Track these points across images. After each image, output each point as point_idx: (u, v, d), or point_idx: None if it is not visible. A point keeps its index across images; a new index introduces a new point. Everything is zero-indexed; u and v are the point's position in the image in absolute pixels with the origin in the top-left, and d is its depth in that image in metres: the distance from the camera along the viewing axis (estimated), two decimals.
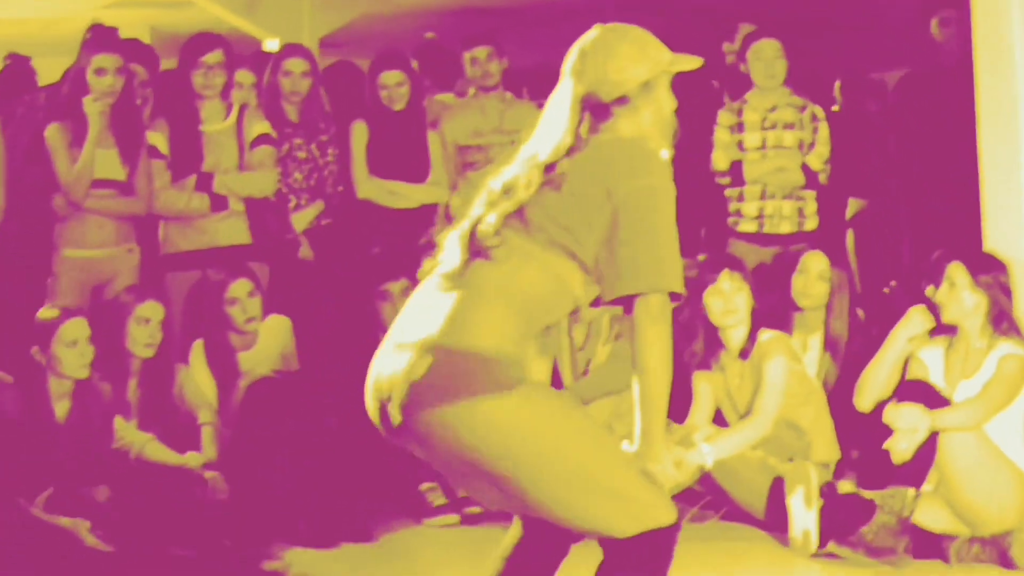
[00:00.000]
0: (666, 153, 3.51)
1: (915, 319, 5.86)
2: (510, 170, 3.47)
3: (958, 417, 5.49)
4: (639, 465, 3.30)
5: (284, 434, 6.23)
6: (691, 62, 3.55)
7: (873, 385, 5.84)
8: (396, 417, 3.27)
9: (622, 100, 3.45)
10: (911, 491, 5.46)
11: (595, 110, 3.44)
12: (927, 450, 5.45)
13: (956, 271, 5.66)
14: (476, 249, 3.37)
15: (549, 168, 3.38)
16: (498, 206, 3.40)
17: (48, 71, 7.60)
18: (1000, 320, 5.66)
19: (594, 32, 3.53)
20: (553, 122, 3.47)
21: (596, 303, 3.45)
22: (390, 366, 3.31)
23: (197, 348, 6.61)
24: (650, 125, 3.48)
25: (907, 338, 5.84)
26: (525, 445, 3.22)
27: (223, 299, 6.58)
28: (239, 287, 6.59)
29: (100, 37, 6.97)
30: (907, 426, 5.45)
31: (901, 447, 5.45)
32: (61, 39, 8.05)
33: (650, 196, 3.33)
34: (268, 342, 6.71)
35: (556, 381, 6.15)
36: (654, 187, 3.34)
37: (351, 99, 7.54)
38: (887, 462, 5.50)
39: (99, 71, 6.64)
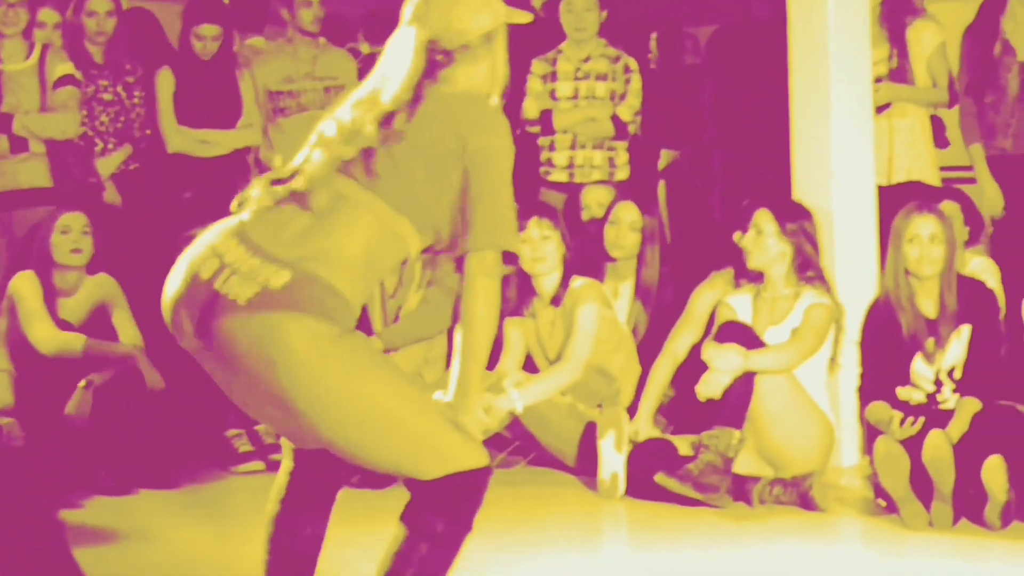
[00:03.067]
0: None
1: (716, 281, 5.97)
2: (343, 114, 3.40)
3: (771, 359, 5.59)
4: (451, 414, 3.27)
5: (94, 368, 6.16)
6: (524, 16, 3.54)
7: (677, 346, 5.99)
8: (194, 315, 3.20)
9: (463, 48, 3.40)
10: (736, 432, 5.54)
11: (436, 57, 3.39)
12: (745, 393, 5.53)
13: (762, 218, 5.76)
14: (306, 196, 3.30)
15: (389, 116, 3.32)
16: (332, 150, 3.33)
17: None
18: (805, 268, 5.76)
19: None
20: (394, 67, 3.40)
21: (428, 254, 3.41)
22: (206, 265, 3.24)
23: (26, 278, 6.27)
24: (487, 76, 3.45)
25: (710, 299, 5.96)
26: (325, 377, 3.14)
27: (52, 229, 6.29)
28: (73, 218, 6.32)
29: None
30: (723, 366, 5.51)
31: (713, 386, 5.51)
32: None
33: (497, 155, 3.31)
34: (89, 293, 6.43)
35: (366, 327, 6.09)
36: (500, 146, 3.32)
37: (153, 45, 7.38)
38: (708, 405, 5.58)
39: None
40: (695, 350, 5.86)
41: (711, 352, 5.60)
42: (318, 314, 3.15)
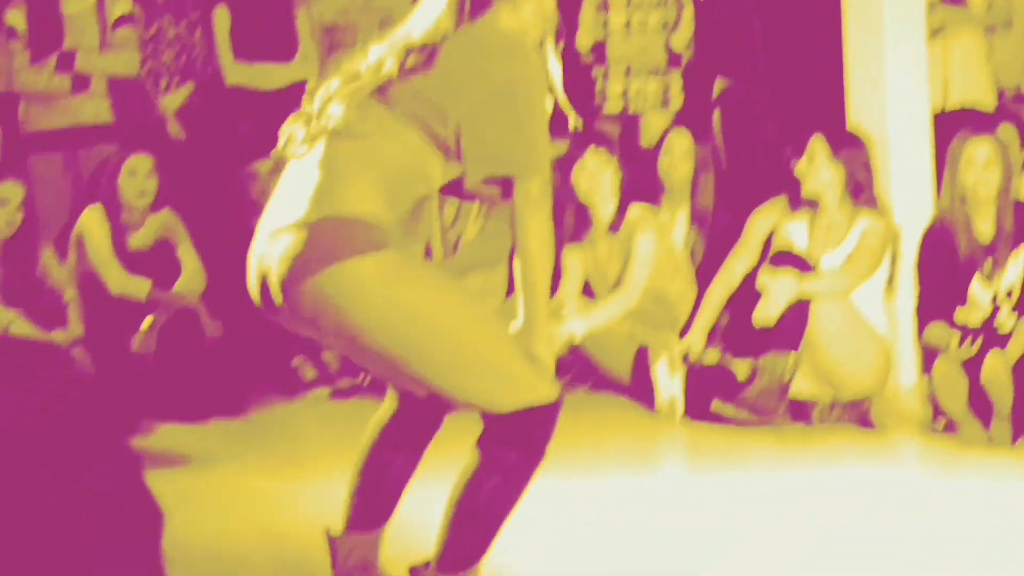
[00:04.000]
0: (549, 45, 3.43)
1: (771, 208, 5.99)
2: (378, 48, 3.37)
3: (826, 284, 5.63)
4: (523, 345, 3.26)
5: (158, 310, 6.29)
6: None
7: (732, 271, 6.01)
8: (278, 297, 3.21)
9: None
10: (791, 356, 5.58)
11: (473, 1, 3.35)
12: (800, 317, 5.57)
13: (816, 145, 5.79)
14: (332, 123, 3.29)
15: (422, 48, 3.29)
16: (361, 79, 3.32)
17: None
18: (857, 192, 5.78)
19: None
20: (433, 3, 3.37)
21: (453, 189, 3.39)
22: (266, 249, 3.23)
23: (94, 213, 6.40)
24: (531, 16, 3.40)
25: (765, 226, 5.98)
26: (397, 310, 3.16)
27: (120, 169, 6.43)
28: (139, 160, 6.45)
29: None
30: (778, 292, 5.55)
31: (769, 311, 5.55)
32: None
33: (525, 85, 3.27)
34: (153, 228, 6.55)
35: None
36: (529, 78, 3.29)
37: None
38: (764, 330, 5.62)
39: None
40: (750, 278, 5.90)
41: (766, 278, 5.63)
42: (359, 252, 3.15)
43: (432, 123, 3.26)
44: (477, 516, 3.25)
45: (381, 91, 3.29)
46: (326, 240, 3.17)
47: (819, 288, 5.61)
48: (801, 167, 5.84)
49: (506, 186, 3.30)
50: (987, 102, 6.90)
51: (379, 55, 3.34)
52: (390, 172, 3.26)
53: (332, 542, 3.50)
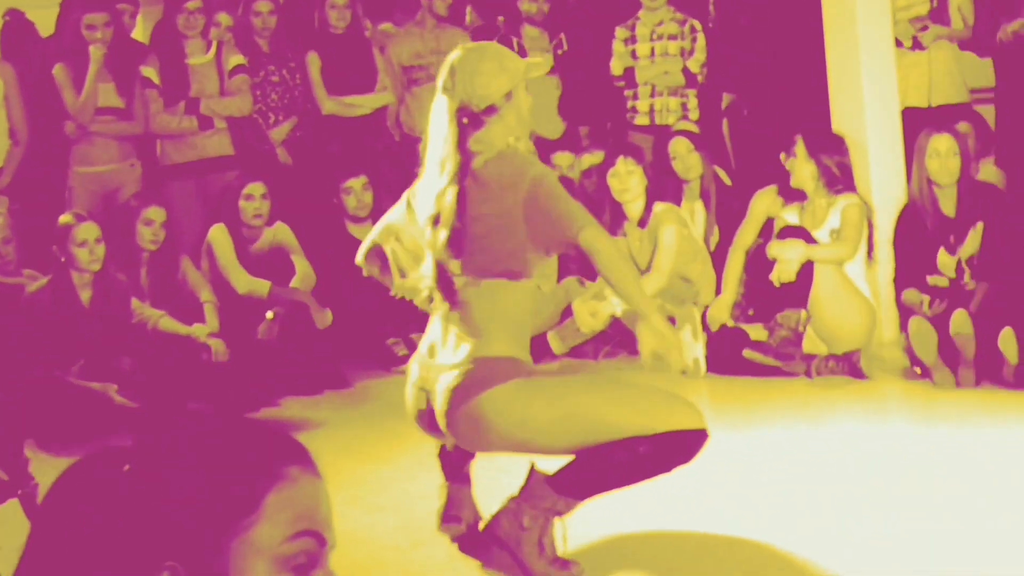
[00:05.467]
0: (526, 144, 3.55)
1: (766, 192, 6.13)
2: (427, 191, 3.48)
3: (827, 251, 5.74)
4: (648, 348, 3.34)
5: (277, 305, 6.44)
6: (541, 67, 3.59)
7: (743, 240, 6.15)
8: (441, 421, 3.35)
9: (490, 110, 3.42)
10: (803, 312, 5.73)
11: (469, 119, 3.41)
12: (807, 279, 5.69)
13: (799, 144, 5.94)
14: (452, 294, 3.42)
15: (458, 180, 3.38)
16: (438, 246, 3.41)
17: (44, 21, 7.67)
18: (832, 183, 5.90)
19: (458, 52, 3.50)
20: (438, 136, 3.46)
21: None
22: (429, 376, 3.40)
23: (220, 230, 6.56)
24: (515, 125, 3.46)
25: (763, 205, 6.12)
26: (531, 411, 3.26)
27: (240, 194, 6.60)
28: (256, 187, 6.62)
29: None
30: (789, 255, 5.69)
31: (785, 272, 5.70)
32: None
33: (543, 177, 3.39)
34: (269, 240, 6.70)
35: None
36: (542, 171, 3.42)
37: (303, 32, 7.59)
38: (778, 294, 5.75)
39: (89, 27, 6.72)
40: (759, 257, 6.04)
41: (777, 247, 5.76)
42: (498, 380, 3.28)
43: (516, 263, 3.37)
44: (606, 464, 3.26)
45: (458, 251, 3.38)
46: (478, 377, 3.30)
47: (822, 253, 5.72)
48: (790, 162, 6.00)
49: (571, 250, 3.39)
50: (962, 100, 6.95)
51: (435, 201, 3.43)
52: (509, 321, 3.37)
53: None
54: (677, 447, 3.26)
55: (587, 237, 3.31)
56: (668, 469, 3.29)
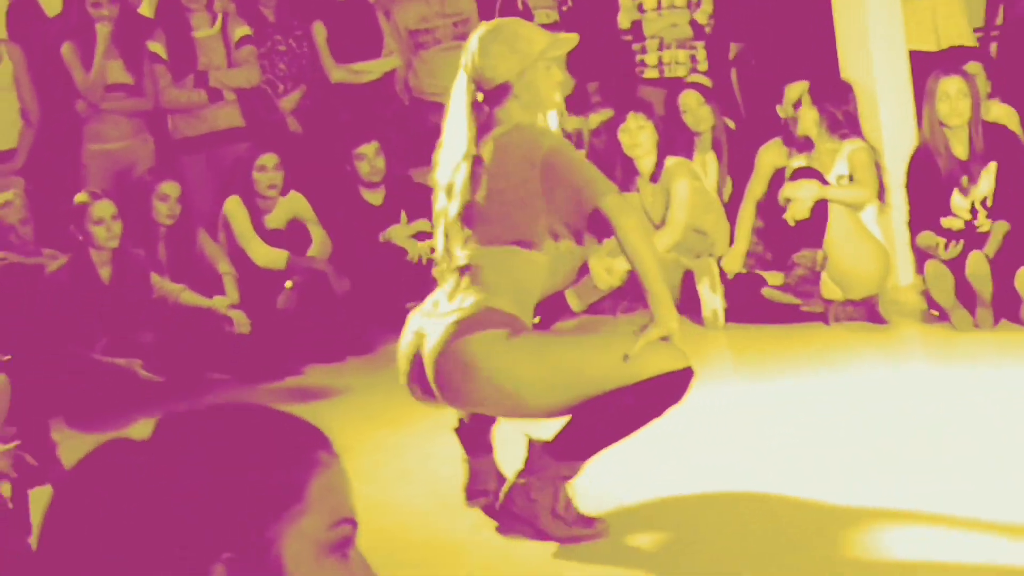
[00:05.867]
0: (554, 118, 3.54)
1: (772, 145, 6.15)
2: (446, 162, 3.52)
3: (843, 192, 5.74)
4: (657, 331, 3.31)
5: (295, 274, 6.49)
6: (565, 44, 3.57)
7: (753, 192, 6.18)
8: (429, 365, 3.37)
9: (504, 88, 3.46)
10: (819, 251, 5.75)
11: (484, 95, 3.48)
12: (822, 218, 5.71)
13: (804, 93, 5.94)
14: (462, 261, 3.45)
15: (476, 160, 3.43)
16: (448, 217, 3.46)
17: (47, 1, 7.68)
18: (835, 127, 5.89)
19: (477, 31, 3.56)
20: (457, 110, 3.51)
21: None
22: (424, 325, 3.43)
23: (235, 202, 6.59)
24: (531, 104, 3.49)
25: (770, 157, 6.13)
26: (519, 362, 3.30)
27: (253, 166, 6.63)
28: (269, 158, 6.64)
29: None
30: (803, 193, 5.70)
31: (798, 211, 5.71)
32: None
33: (559, 148, 3.43)
34: (284, 210, 6.75)
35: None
36: (558, 143, 3.45)
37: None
38: (795, 234, 5.77)
39: (94, 4, 6.73)
40: (772, 205, 6.07)
41: (790, 188, 5.76)
42: (493, 327, 3.33)
43: (529, 233, 3.41)
44: (598, 420, 3.30)
45: (469, 222, 3.43)
46: (478, 319, 3.35)
47: (836, 193, 5.71)
48: (795, 112, 6.02)
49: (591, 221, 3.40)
50: (969, 42, 6.93)
51: (450, 178, 3.49)
52: (517, 287, 3.41)
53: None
54: (664, 390, 3.31)
55: (609, 203, 3.35)
56: (660, 413, 3.33)
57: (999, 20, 7.18)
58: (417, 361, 3.48)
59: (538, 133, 3.46)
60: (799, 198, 5.70)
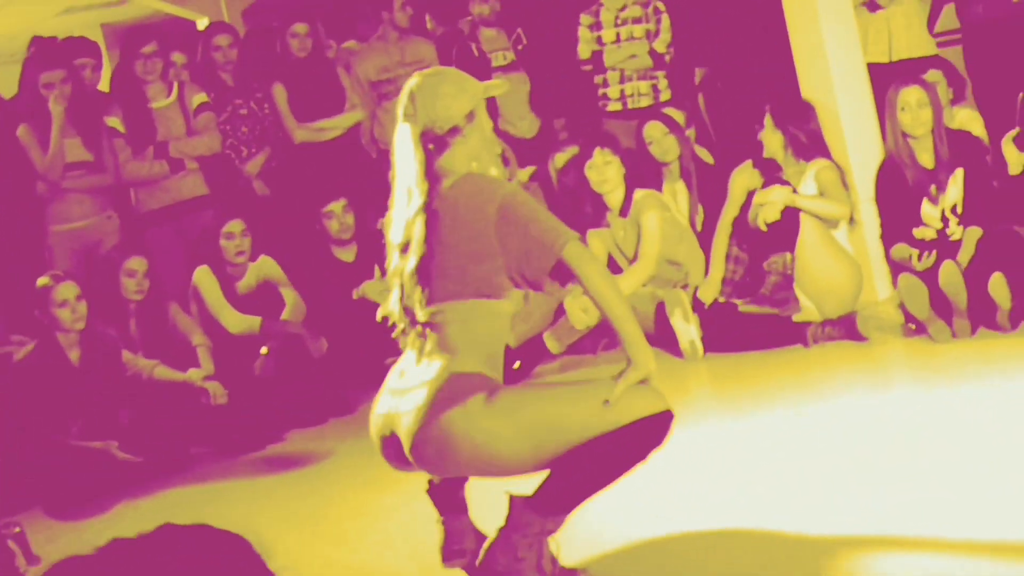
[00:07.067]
0: (495, 170, 3.50)
1: (744, 168, 6.17)
2: (398, 220, 3.48)
3: (811, 202, 5.78)
4: (633, 376, 3.27)
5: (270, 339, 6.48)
6: (498, 87, 3.59)
7: (727, 219, 6.19)
8: (407, 442, 3.33)
9: (454, 131, 3.44)
10: (788, 254, 5.77)
11: (434, 143, 3.43)
12: (793, 222, 5.74)
13: (768, 116, 5.99)
14: (420, 317, 3.41)
15: (426, 207, 3.39)
16: (404, 275, 3.43)
17: (10, 79, 7.69)
18: (800, 151, 5.94)
19: (416, 79, 3.51)
20: (404, 164, 3.46)
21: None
22: (395, 404, 3.39)
23: (204, 272, 6.59)
24: (480, 146, 3.48)
25: (742, 182, 6.16)
26: (501, 427, 3.27)
27: (219, 234, 6.63)
28: (235, 225, 6.64)
29: (41, 52, 7.06)
30: (774, 197, 5.74)
31: (768, 213, 5.74)
32: (20, 50, 8.02)
33: (516, 192, 3.38)
34: (255, 274, 6.75)
35: None
36: (511, 191, 3.39)
37: (267, 61, 7.61)
38: (765, 241, 5.82)
39: (47, 86, 6.74)
40: (747, 230, 6.07)
41: (761, 194, 5.79)
42: (466, 395, 3.27)
43: (489, 286, 3.36)
44: (580, 470, 3.25)
45: (427, 279, 3.38)
46: (449, 390, 3.29)
47: (807, 203, 5.75)
48: (762, 135, 6.06)
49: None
50: (927, 49, 6.96)
51: (404, 231, 3.44)
52: (483, 342, 3.36)
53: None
54: (645, 434, 3.27)
55: (571, 252, 3.31)
56: (643, 457, 3.30)
57: (957, 24, 7.19)
58: (392, 439, 3.45)
59: (490, 182, 3.43)
60: (770, 201, 5.69)
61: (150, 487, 5.66)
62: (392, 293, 3.53)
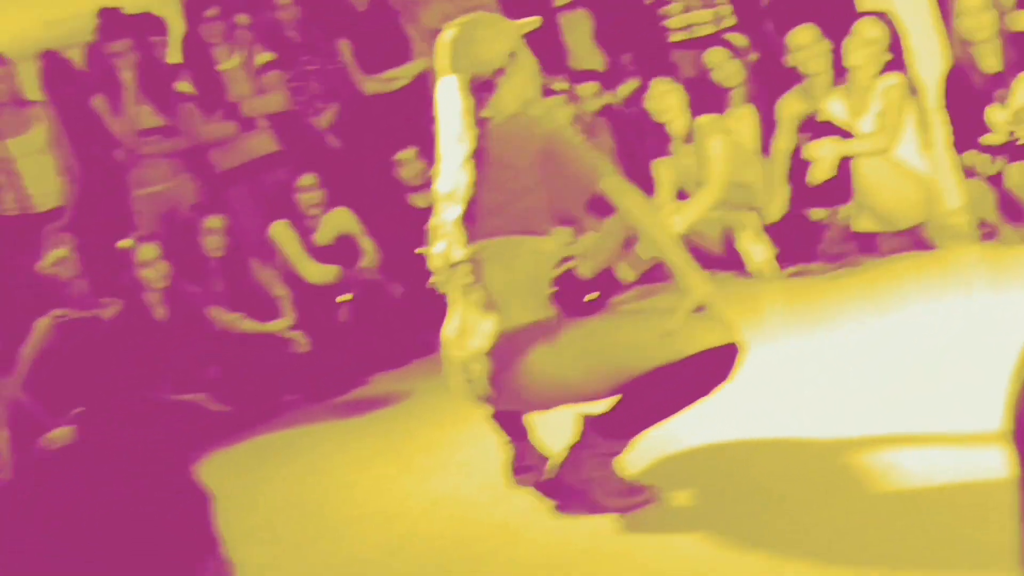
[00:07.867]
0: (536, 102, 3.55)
1: (792, 94, 6.11)
2: (447, 170, 3.51)
3: (863, 144, 5.74)
4: (688, 302, 3.30)
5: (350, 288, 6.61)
6: (532, 23, 3.60)
7: (780, 147, 6.17)
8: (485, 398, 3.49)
9: (499, 72, 3.48)
10: (846, 208, 5.74)
11: (480, 89, 3.48)
12: (845, 173, 5.73)
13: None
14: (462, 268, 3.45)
15: (476, 155, 3.42)
16: (453, 222, 3.45)
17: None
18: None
19: (452, 30, 3.56)
20: (451, 115, 3.50)
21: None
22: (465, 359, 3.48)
23: (281, 226, 6.75)
24: (525, 83, 3.52)
25: (791, 111, 6.10)
26: (570, 372, 3.35)
27: (294, 188, 6.79)
28: (308, 178, 6.80)
29: (107, 23, 7.24)
30: (823, 153, 5.72)
31: (820, 171, 5.74)
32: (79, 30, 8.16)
33: (555, 133, 3.44)
34: (330, 226, 6.88)
35: None
36: (553, 128, 3.45)
37: (329, 16, 7.70)
38: (822, 192, 5.78)
39: (115, 55, 6.94)
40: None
41: (810, 147, 5.78)
42: (526, 349, 3.34)
43: (532, 221, 3.43)
44: (645, 399, 3.30)
45: (471, 219, 3.42)
46: (506, 349, 3.39)
47: (856, 147, 5.72)
48: (846, 43, 5.93)
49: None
50: None
51: (453, 182, 3.46)
52: (525, 284, 3.42)
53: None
54: (711, 367, 3.29)
55: (609, 184, 3.37)
56: (707, 392, 3.32)
57: None
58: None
59: (534, 120, 3.49)
60: (820, 157, 5.68)
61: (241, 436, 5.84)
62: (436, 245, 3.59)
